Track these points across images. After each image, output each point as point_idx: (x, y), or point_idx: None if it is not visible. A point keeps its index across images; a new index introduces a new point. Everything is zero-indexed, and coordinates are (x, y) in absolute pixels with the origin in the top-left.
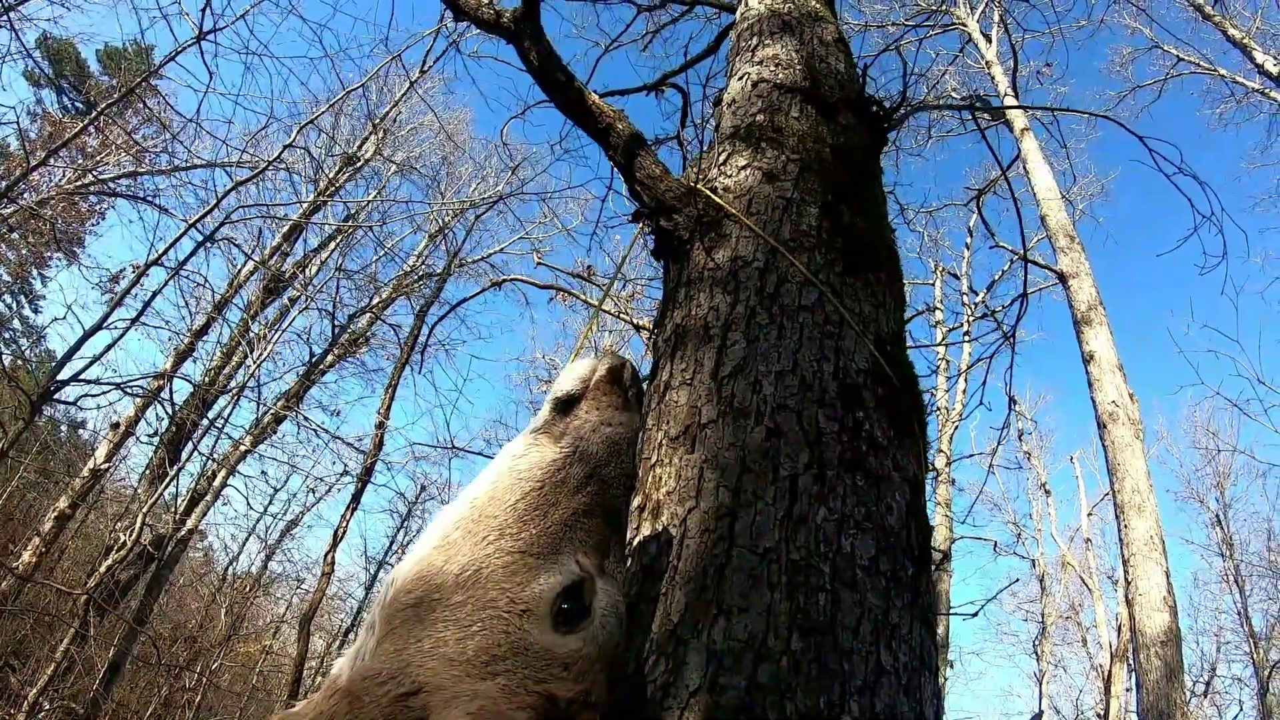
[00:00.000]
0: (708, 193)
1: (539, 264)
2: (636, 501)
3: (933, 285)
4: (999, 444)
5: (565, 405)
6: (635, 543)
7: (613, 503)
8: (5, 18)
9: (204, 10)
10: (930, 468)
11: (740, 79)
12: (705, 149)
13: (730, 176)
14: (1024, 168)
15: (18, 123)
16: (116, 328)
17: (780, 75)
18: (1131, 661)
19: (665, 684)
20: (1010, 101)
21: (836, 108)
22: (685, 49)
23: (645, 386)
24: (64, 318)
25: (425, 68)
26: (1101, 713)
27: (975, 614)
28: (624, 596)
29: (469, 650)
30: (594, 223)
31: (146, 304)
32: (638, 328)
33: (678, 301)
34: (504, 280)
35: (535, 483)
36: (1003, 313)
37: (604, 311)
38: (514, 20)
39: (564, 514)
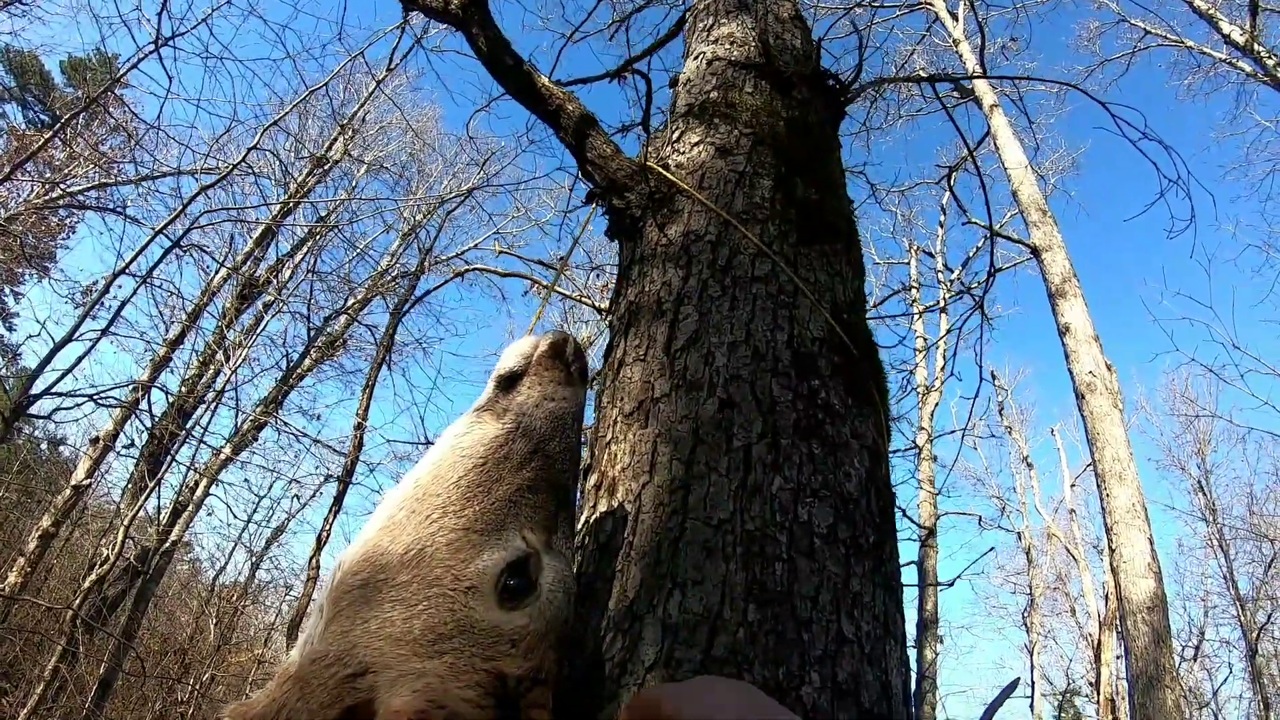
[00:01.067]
0: (659, 169)
1: (499, 253)
2: (593, 480)
3: (908, 264)
4: (971, 415)
5: (508, 382)
6: (591, 520)
7: (559, 479)
8: None
9: (160, 14)
10: (893, 439)
11: (695, 58)
12: (659, 129)
13: (683, 153)
14: (994, 144)
15: None
16: (88, 339)
17: (735, 53)
18: (1120, 628)
19: (622, 661)
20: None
21: (792, 82)
22: (655, 34)
23: (604, 364)
24: (39, 334)
25: (391, 66)
26: (1093, 681)
27: (951, 584)
28: (576, 573)
29: (415, 629)
30: (564, 213)
31: (116, 313)
32: (600, 310)
33: (631, 279)
34: (466, 270)
35: (478, 459)
36: (979, 289)
37: (564, 296)
38: (461, 6)
39: (508, 490)
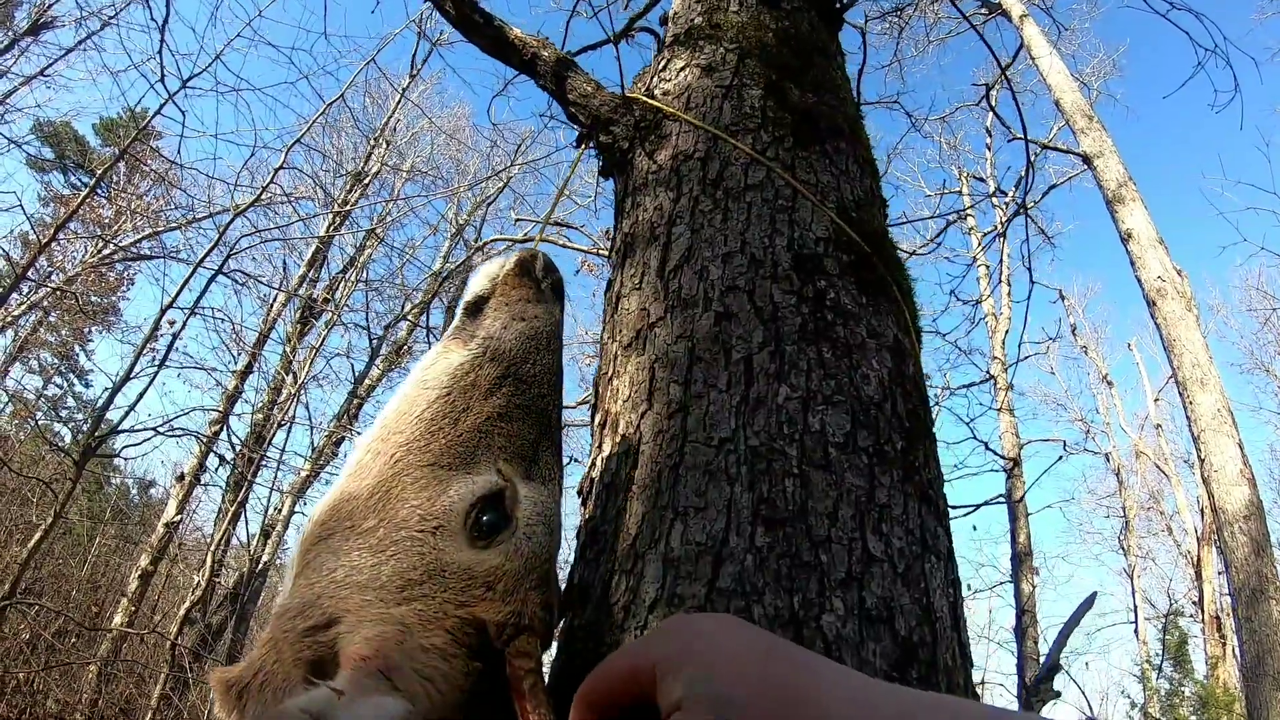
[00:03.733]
0: (643, 98)
1: (516, 220)
2: (597, 419)
3: (959, 193)
4: (1026, 323)
5: (475, 307)
6: (597, 461)
7: (537, 403)
8: None
9: (160, 53)
10: (966, 372)
11: None
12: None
13: (669, 80)
14: (1029, 55)
15: (21, 205)
16: (147, 375)
17: None
18: (1218, 542)
19: (626, 604)
20: None
21: None
22: None
23: (604, 301)
24: (109, 387)
25: (414, 73)
26: (1196, 600)
27: (972, 511)
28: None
29: (383, 576)
30: (595, 184)
31: (169, 346)
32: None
33: (625, 211)
34: (483, 244)
35: (442, 389)
36: (1034, 206)
37: (578, 250)
38: None
39: (476, 419)
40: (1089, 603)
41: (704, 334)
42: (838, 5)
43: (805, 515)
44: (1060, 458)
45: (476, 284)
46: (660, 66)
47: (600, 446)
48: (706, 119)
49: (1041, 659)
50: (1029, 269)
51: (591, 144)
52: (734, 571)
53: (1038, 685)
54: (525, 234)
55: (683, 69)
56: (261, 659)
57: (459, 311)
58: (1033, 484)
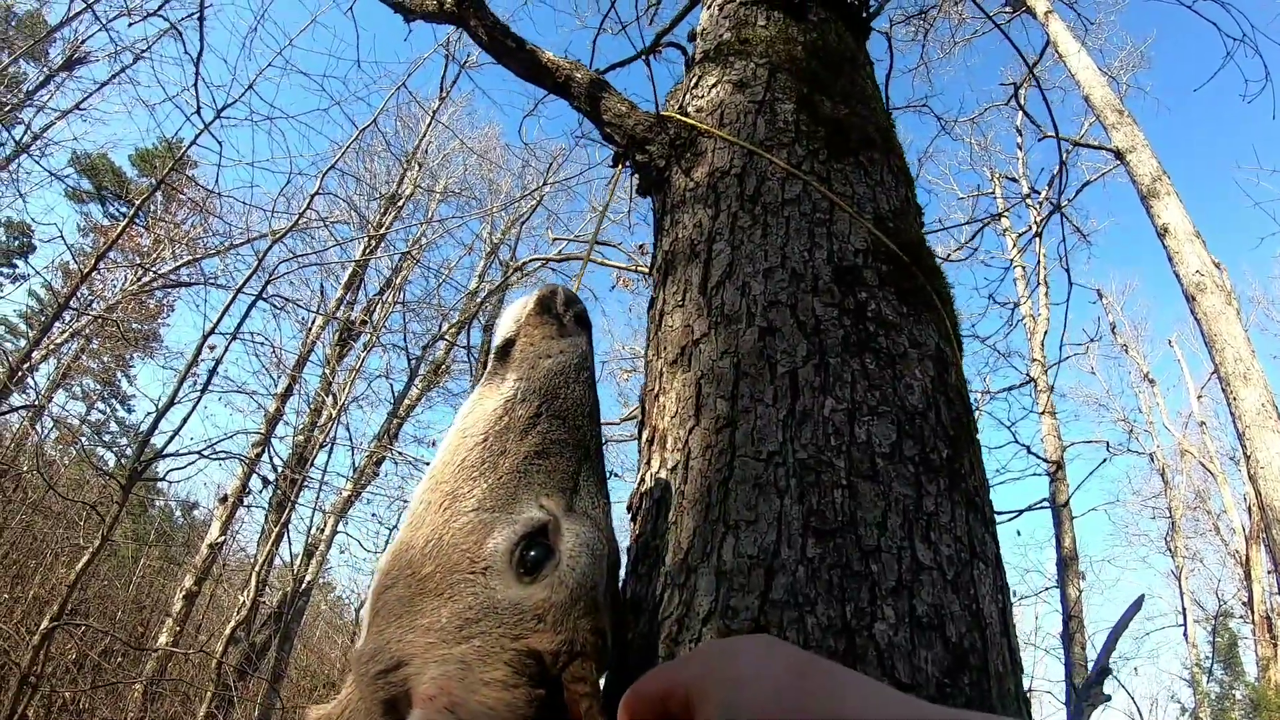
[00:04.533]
0: (677, 115)
1: (553, 240)
2: (645, 435)
3: (993, 194)
4: (1066, 323)
5: (504, 351)
6: (645, 478)
7: (573, 435)
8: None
9: (195, 85)
10: (1005, 375)
11: (708, 7)
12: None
13: (701, 97)
14: (1056, 52)
15: (62, 235)
16: (190, 401)
17: None
18: (1266, 540)
19: (679, 617)
20: None
21: (805, 6)
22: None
23: (648, 319)
24: (154, 411)
25: (443, 95)
26: (1246, 601)
27: (1015, 516)
28: (637, 533)
29: (443, 618)
30: (629, 200)
31: (211, 371)
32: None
33: (664, 229)
34: (523, 264)
35: (479, 436)
36: (1068, 205)
37: (615, 267)
38: (455, 3)
39: (515, 460)
40: (1137, 605)
41: (748, 349)
42: (864, 14)
43: (855, 525)
44: (1105, 460)
45: (503, 328)
46: (692, 84)
47: (649, 463)
48: (741, 135)
49: (1090, 664)
50: (1067, 269)
51: (628, 163)
52: (786, 583)
53: (1088, 689)
54: (560, 252)
55: (715, 85)
56: (348, 699)
57: (490, 357)
58: (1076, 488)
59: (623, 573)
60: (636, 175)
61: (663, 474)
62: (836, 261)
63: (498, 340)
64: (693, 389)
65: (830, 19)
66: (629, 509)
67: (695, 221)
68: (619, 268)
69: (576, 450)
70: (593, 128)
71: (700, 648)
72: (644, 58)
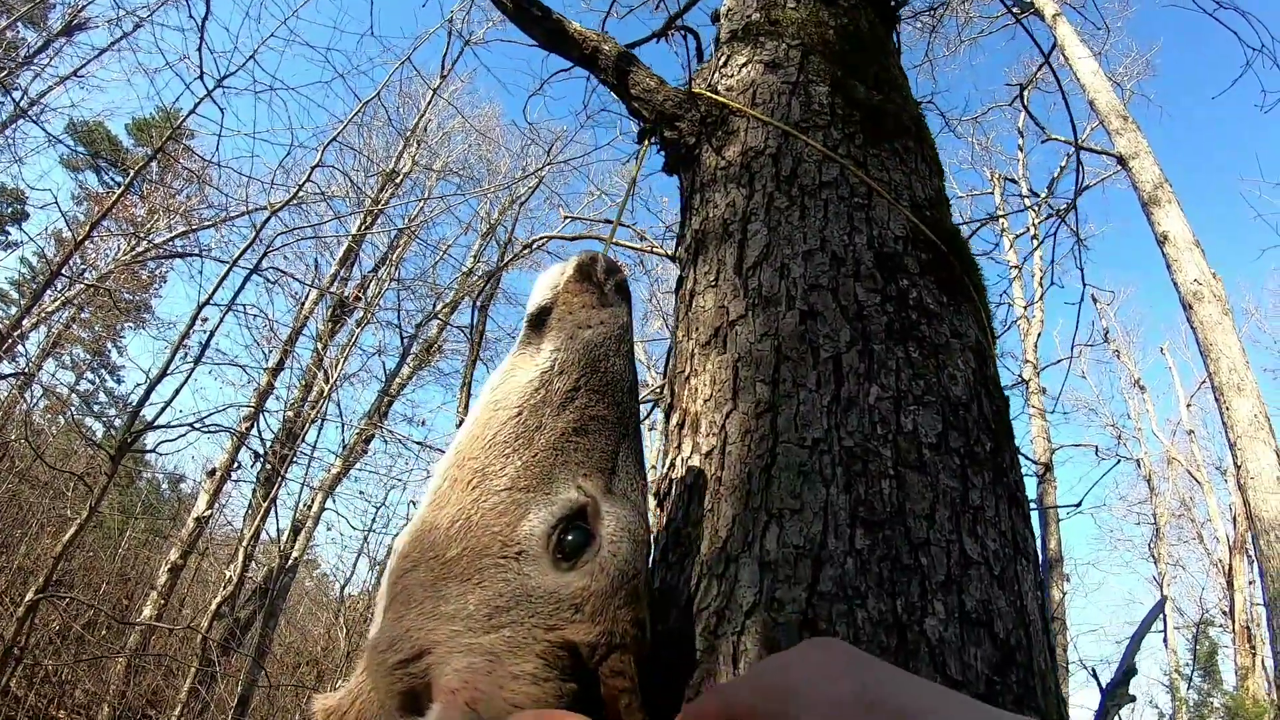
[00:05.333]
0: (708, 93)
1: (568, 219)
2: (675, 419)
3: (992, 194)
4: (1076, 329)
5: (539, 319)
6: (676, 463)
7: (613, 412)
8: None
9: (199, 51)
10: (999, 373)
11: None
12: (704, 62)
13: (731, 76)
14: (1063, 55)
15: (56, 202)
16: (183, 373)
17: None
18: (1251, 551)
19: (719, 609)
20: None
21: None
22: None
23: (676, 297)
24: (144, 382)
25: (445, 72)
26: (1227, 610)
27: (1078, 505)
28: (667, 518)
29: (469, 605)
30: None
31: (205, 344)
32: (671, 258)
33: (694, 208)
34: (534, 241)
35: (513, 410)
36: (1067, 208)
37: (633, 249)
38: None
39: (552, 436)
40: (1158, 609)
41: (789, 332)
42: (893, 3)
43: (903, 517)
44: (1118, 461)
45: (538, 295)
46: (721, 62)
47: (679, 447)
48: (775, 115)
49: (1069, 665)
50: (1080, 268)
51: (654, 139)
52: (834, 575)
53: (1114, 689)
54: (567, 230)
55: (745, 65)
56: (358, 688)
57: (524, 325)
58: (1084, 496)
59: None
60: (663, 152)
61: (695, 459)
62: (877, 247)
63: (531, 307)
64: (729, 372)
65: (860, 5)
66: (655, 495)
67: (729, 201)
68: (637, 249)
69: (616, 428)
70: (601, 108)
71: (764, 666)
72: (659, 39)
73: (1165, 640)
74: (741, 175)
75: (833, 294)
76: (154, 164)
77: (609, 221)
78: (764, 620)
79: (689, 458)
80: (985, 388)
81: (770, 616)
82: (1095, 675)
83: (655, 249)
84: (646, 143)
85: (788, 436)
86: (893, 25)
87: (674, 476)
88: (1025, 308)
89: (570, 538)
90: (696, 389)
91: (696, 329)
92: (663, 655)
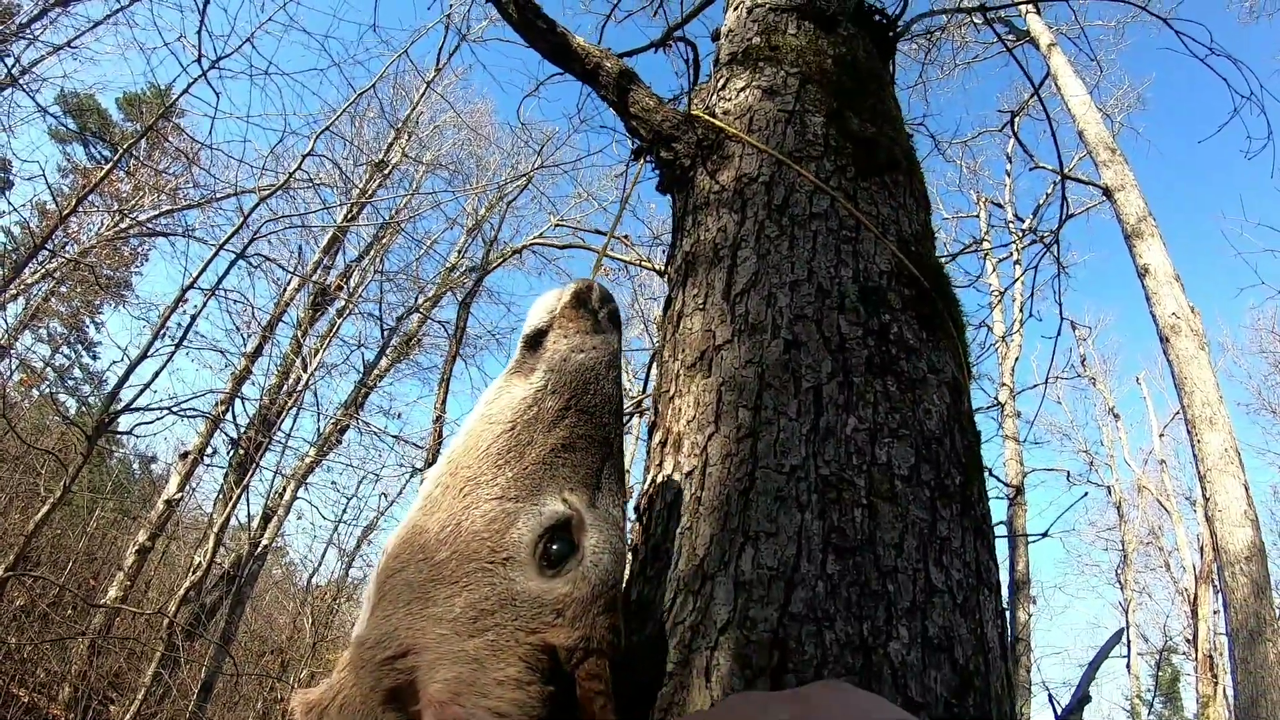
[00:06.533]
0: (706, 116)
1: (556, 225)
2: (657, 437)
3: (977, 217)
4: (1053, 359)
5: (534, 340)
6: (657, 480)
7: (599, 432)
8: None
9: (200, 32)
10: (974, 398)
11: (735, 8)
12: (703, 82)
13: (729, 100)
14: (1055, 84)
15: (44, 174)
16: (163, 355)
17: None
18: (1217, 581)
19: (694, 624)
20: (1030, 15)
21: (835, 19)
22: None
23: (663, 318)
24: (121, 360)
25: (440, 65)
26: (1190, 638)
27: (1045, 534)
28: (644, 533)
29: (456, 608)
30: (624, 190)
31: (187, 328)
32: (659, 272)
33: (685, 229)
34: (523, 246)
35: (506, 424)
36: (1051, 238)
37: (623, 261)
38: None
39: (542, 452)
40: (1116, 638)
41: (773, 361)
42: (891, 33)
43: (873, 545)
44: (1080, 496)
45: (535, 317)
46: (720, 85)
47: (661, 465)
48: (770, 143)
49: (1032, 687)
50: (1059, 301)
51: (649, 158)
52: (806, 597)
53: (1068, 715)
54: (543, 236)
55: (743, 89)
56: (340, 683)
57: (519, 345)
58: (1050, 525)
59: (625, 573)
60: (658, 171)
61: (676, 477)
62: (862, 281)
63: (528, 329)
64: (713, 395)
65: (859, 34)
66: (636, 509)
67: (720, 225)
68: (623, 260)
69: (601, 447)
70: (595, 115)
71: (731, 704)
72: (657, 49)
73: (1128, 665)
74: (734, 201)
75: (817, 325)
76: (142, 141)
77: (600, 232)
78: (737, 637)
79: (670, 475)
80: (959, 423)
81: (743, 634)
82: (1053, 700)
83: (643, 262)
84: (642, 161)
85: (767, 462)
86: (890, 54)
87: (653, 493)
88: (1003, 337)
89: (555, 547)
90: (680, 409)
91: (683, 350)
92: (636, 664)
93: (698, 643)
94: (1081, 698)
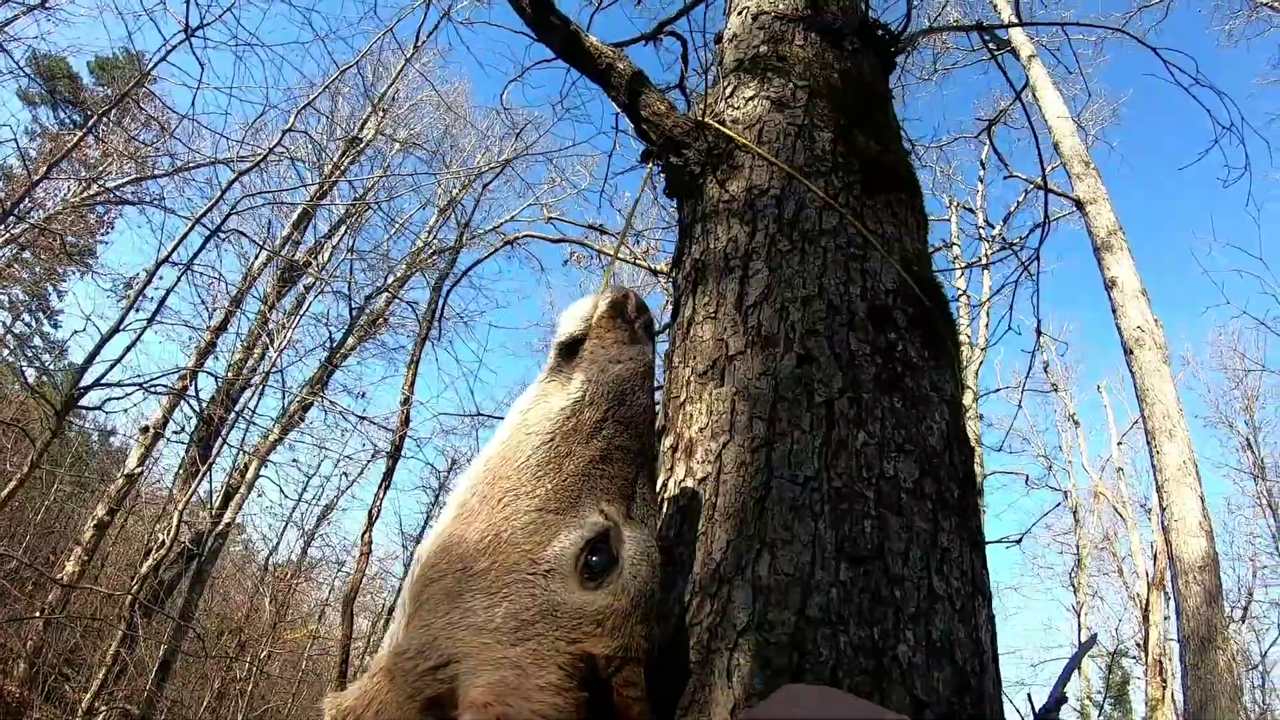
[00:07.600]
0: (716, 125)
1: (548, 220)
2: (668, 441)
3: (948, 220)
4: (1030, 371)
5: (570, 349)
6: (670, 484)
7: (634, 443)
8: None
9: (187, 3)
10: (963, 390)
11: (739, 13)
12: (710, 87)
13: (738, 108)
14: (1033, 95)
15: (15, 140)
16: (133, 330)
17: (780, 5)
18: (1170, 589)
19: (712, 626)
20: (1016, 29)
21: (841, 33)
22: None
23: (672, 323)
24: (84, 330)
25: (419, 43)
26: (1140, 642)
27: (1019, 541)
28: (658, 540)
29: (497, 618)
30: (603, 180)
31: (160, 303)
32: (655, 273)
33: (694, 236)
34: (516, 238)
35: (545, 435)
36: (1020, 245)
37: (620, 259)
38: None
39: (580, 463)
40: (1091, 642)
41: (787, 374)
42: (892, 49)
43: (883, 554)
44: (1053, 506)
45: (569, 324)
46: (727, 92)
47: (673, 469)
48: (780, 156)
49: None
50: (1038, 316)
51: (658, 162)
52: (820, 602)
53: (1045, 715)
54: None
55: (752, 99)
56: (375, 690)
57: (552, 352)
58: (1024, 533)
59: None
60: (666, 175)
61: (689, 483)
62: (870, 299)
63: (562, 336)
64: (727, 404)
65: (863, 50)
66: None
67: (731, 236)
68: (636, 264)
69: (637, 458)
70: (579, 106)
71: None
72: (647, 42)
73: (1079, 668)
74: (745, 212)
75: (828, 341)
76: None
77: (593, 227)
78: (756, 640)
79: (683, 481)
80: (957, 439)
81: (762, 637)
82: (1030, 699)
83: (638, 262)
84: (651, 165)
85: (782, 472)
86: (890, 69)
87: (667, 496)
88: (984, 348)
89: (596, 559)
90: (692, 415)
91: (694, 358)
92: (653, 667)
93: (716, 644)
94: (1059, 697)
